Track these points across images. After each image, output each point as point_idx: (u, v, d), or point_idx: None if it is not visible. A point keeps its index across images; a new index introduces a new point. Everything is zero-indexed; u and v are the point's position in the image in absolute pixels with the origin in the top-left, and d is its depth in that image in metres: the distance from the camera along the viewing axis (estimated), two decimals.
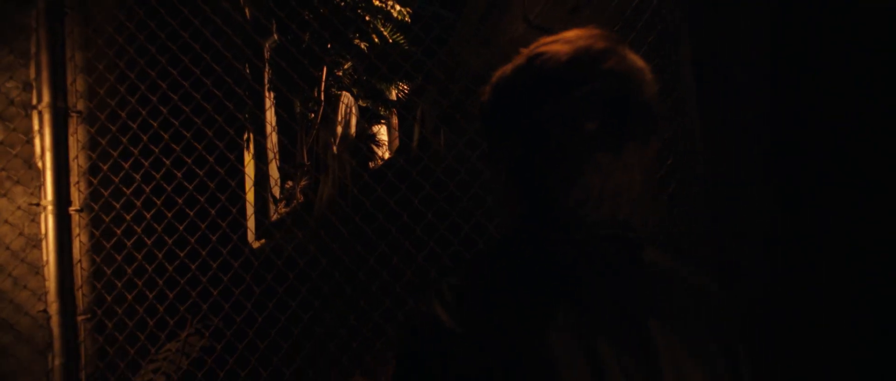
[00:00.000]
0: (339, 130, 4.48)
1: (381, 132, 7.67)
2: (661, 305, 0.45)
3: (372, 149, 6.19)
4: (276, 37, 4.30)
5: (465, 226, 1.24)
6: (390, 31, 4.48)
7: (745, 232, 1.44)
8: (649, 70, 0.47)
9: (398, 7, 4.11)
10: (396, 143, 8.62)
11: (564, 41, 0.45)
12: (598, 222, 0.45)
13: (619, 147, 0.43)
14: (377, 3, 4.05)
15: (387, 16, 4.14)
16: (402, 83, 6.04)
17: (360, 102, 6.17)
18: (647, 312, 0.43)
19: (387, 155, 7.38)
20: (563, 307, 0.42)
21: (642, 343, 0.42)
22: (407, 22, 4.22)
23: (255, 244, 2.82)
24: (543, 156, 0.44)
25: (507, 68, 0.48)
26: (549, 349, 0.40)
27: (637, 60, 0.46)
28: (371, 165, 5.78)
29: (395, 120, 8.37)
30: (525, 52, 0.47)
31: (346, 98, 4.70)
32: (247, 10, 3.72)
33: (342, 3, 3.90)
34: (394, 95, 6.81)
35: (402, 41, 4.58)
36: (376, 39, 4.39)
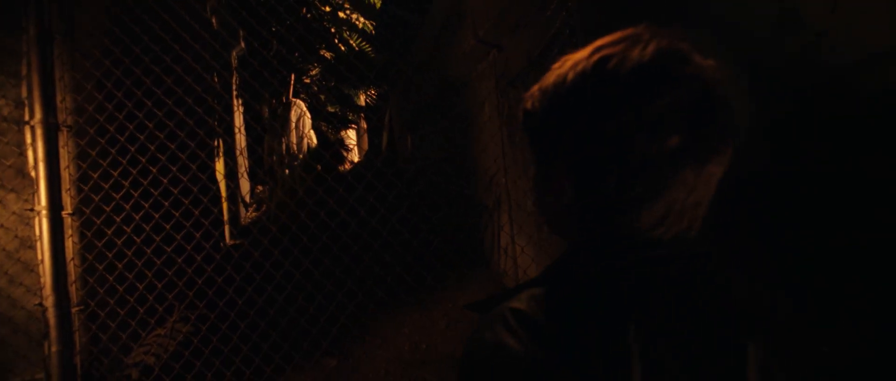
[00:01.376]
0: (294, 136, 4.62)
1: (350, 136, 7.82)
2: (746, 328, 0.41)
3: (341, 153, 6.35)
4: (243, 46, 4.42)
5: (413, 218, 1.50)
6: (356, 40, 4.68)
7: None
8: (724, 69, 0.42)
9: (363, 20, 4.34)
10: (365, 146, 8.78)
11: (632, 42, 0.41)
12: (672, 240, 0.42)
13: (704, 162, 0.40)
14: (343, 15, 4.26)
15: (352, 27, 4.36)
16: (371, 89, 6.23)
17: (329, 108, 6.32)
18: (734, 336, 0.40)
19: (356, 158, 7.55)
20: (639, 336, 0.39)
21: (736, 372, 0.39)
22: (371, 33, 4.45)
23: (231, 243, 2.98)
24: (624, 171, 0.40)
25: (563, 73, 0.43)
26: (632, 378, 0.37)
27: (709, 60, 0.42)
28: (340, 168, 5.95)
29: (364, 124, 8.54)
30: (582, 55, 0.43)
31: (299, 106, 4.85)
32: (213, 20, 3.84)
33: (309, 15, 4.09)
34: (362, 100, 6.98)
35: (369, 49, 4.80)
36: (343, 48, 4.58)
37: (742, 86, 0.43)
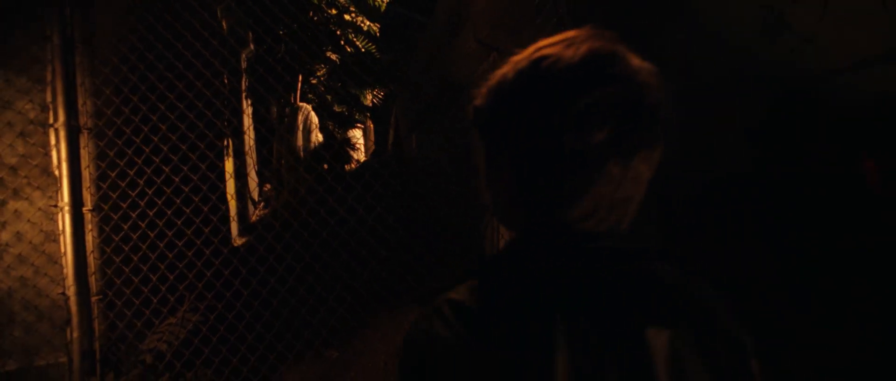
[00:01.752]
0: (300, 138, 4.73)
1: (357, 136, 7.94)
2: (662, 317, 0.41)
3: (348, 152, 6.47)
4: (252, 47, 4.55)
5: (413, 218, 1.58)
6: (362, 41, 4.79)
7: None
8: (655, 72, 0.44)
9: (368, 22, 4.45)
10: (372, 146, 8.90)
11: (569, 43, 0.43)
12: (604, 233, 0.43)
13: (631, 155, 0.42)
14: (348, 18, 4.37)
15: (357, 29, 4.46)
16: (377, 89, 6.34)
17: (336, 108, 6.44)
18: (647, 324, 0.41)
19: (363, 158, 7.67)
20: (565, 324, 0.40)
21: (644, 360, 0.39)
22: (376, 35, 4.55)
23: (238, 241, 3.10)
24: (554, 165, 0.42)
25: (506, 71, 0.45)
26: (551, 368, 0.39)
27: (643, 63, 0.44)
28: (347, 167, 6.07)
29: (371, 124, 8.66)
30: (524, 54, 0.44)
31: (305, 108, 4.96)
32: (224, 23, 3.97)
33: (315, 18, 4.20)
34: (369, 100, 7.09)
35: (374, 50, 4.90)
36: (350, 49, 4.69)
37: (670, 90, 0.44)
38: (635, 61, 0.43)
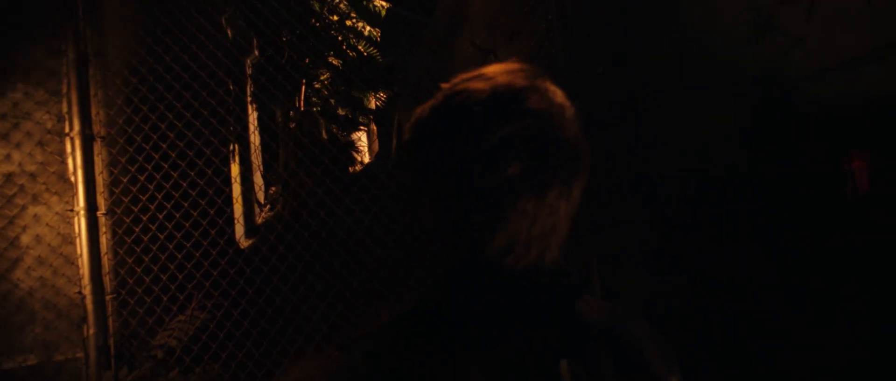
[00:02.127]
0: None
1: (361, 139, 8.05)
2: (576, 355, 0.42)
3: (352, 155, 6.57)
4: (256, 53, 4.66)
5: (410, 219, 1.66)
6: (364, 45, 4.88)
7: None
8: (571, 106, 0.44)
9: (369, 28, 4.55)
10: (376, 148, 9.01)
11: (484, 78, 0.43)
12: (526, 269, 0.42)
13: (544, 191, 0.41)
14: (349, 23, 4.47)
15: (359, 34, 4.57)
16: (380, 92, 6.43)
17: (339, 111, 6.54)
18: (559, 361, 0.41)
19: (366, 160, 7.77)
20: (477, 368, 0.40)
21: None
22: (377, 39, 4.65)
23: (244, 243, 3.21)
24: (466, 202, 0.42)
25: (426, 107, 0.45)
26: None
27: (558, 96, 0.44)
28: (350, 169, 6.17)
29: (374, 126, 8.76)
30: (445, 88, 0.45)
31: (311, 115, 5.05)
32: (228, 32, 4.08)
33: (318, 25, 4.31)
34: (372, 103, 7.19)
35: (376, 54, 4.99)
36: (353, 54, 4.79)
37: (582, 124, 0.44)
38: (552, 96, 0.43)
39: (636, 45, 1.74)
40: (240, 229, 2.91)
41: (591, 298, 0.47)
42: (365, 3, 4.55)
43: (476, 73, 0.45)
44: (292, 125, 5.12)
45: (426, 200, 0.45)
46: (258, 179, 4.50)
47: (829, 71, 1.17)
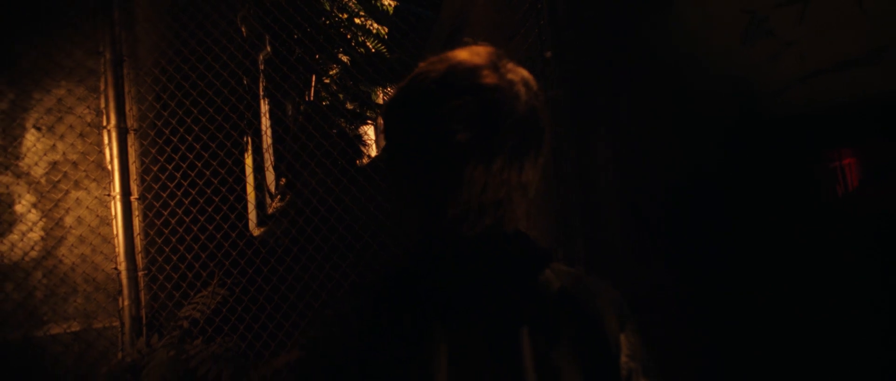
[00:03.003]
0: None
1: (368, 133, 8.22)
2: (536, 317, 0.43)
3: (359, 148, 6.75)
4: (268, 49, 4.86)
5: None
6: (373, 42, 5.04)
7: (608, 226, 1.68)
8: (532, 83, 0.46)
9: (376, 26, 4.71)
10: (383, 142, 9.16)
11: (445, 60, 0.46)
12: (482, 236, 0.44)
13: (491, 158, 0.43)
14: (358, 21, 4.63)
15: (367, 32, 4.73)
16: (388, 87, 6.58)
17: (348, 105, 6.71)
18: (520, 325, 0.42)
19: (374, 153, 7.95)
20: (441, 327, 0.42)
21: (515, 361, 0.41)
22: (385, 37, 4.81)
23: (256, 231, 3.42)
24: (424, 170, 0.44)
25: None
26: (429, 371, 0.40)
27: (516, 75, 0.45)
28: (358, 162, 6.36)
29: (381, 121, 8.91)
30: (413, 73, 0.47)
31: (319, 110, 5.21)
32: (243, 29, 4.28)
33: (327, 22, 4.47)
34: (380, 98, 7.34)
35: (384, 50, 5.15)
36: (361, 51, 4.96)
37: (542, 99, 0.47)
38: (507, 74, 0.46)
39: (631, 48, 1.82)
40: (254, 215, 3.12)
41: (560, 265, 0.48)
42: (373, 1, 4.71)
43: (441, 55, 0.48)
44: (301, 119, 5.32)
45: (395, 172, 0.48)
46: (270, 169, 4.71)
47: (821, 73, 1.21)
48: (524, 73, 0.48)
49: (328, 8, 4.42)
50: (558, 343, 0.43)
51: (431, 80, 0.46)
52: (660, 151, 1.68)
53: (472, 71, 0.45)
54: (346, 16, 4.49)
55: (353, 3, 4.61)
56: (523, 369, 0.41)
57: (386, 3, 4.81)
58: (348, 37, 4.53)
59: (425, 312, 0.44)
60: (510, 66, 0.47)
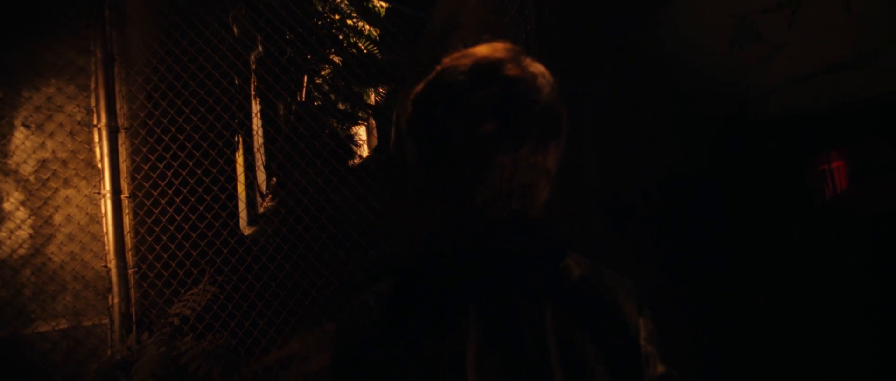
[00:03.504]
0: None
1: (360, 133, 8.23)
2: (559, 299, 0.45)
3: (350, 149, 6.75)
4: (260, 49, 4.85)
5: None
6: (365, 43, 5.07)
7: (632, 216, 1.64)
8: (549, 76, 0.49)
9: (368, 27, 4.74)
10: (376, 142, 9.19)
11: (469, 55, 0.49)
12: (510, 217, 0.46)
13: (517, 147, 0.45)
14: (350, 22, 4.66)
15: (359, 33, 4.76)
16: (381, 87, 6.60)
17: (339, 106, 6.72)
18: (544, 307, 0.44)
19: (365, 153, 7.96)
20: (472, 306, 0.43)
21: (539, 341, 0.42)
22: (377, 39, 4.85)
23: (247, 230, 3.42)
24: (453, 158, 0.46)
25: (423, 82, 0.51)
26: (460, 355, 0.42)
27: (535, 67, 0.48)
28: (349, 162, 6.37)
29: (373, 121, 8.94)
30: (437, 67, 0.50)
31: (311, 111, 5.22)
32: (234, 29, 4.27)
33: (319, 23, 4.49)
34: (372, 98, 7.35)
35: (376, 51, 5.18)
36: (353, 51, 4.98)
37: (559, 92, 0.49)
38: (528, 66, 0.49)
39: (625, 50, 1.85)
40: (245, 215, 3.13)
41: (576, 255, 0.51)
42: (365, 3, 4.75)
43: (465, 51, 0.51)
44: (292, 119, 5.32)
45: (423, 161, 0.50)
46: (261, 169, 4.71)
47: (811, 76, 1.22)
48: (542, 67, 0.51)
49: (320, 9, 4.44)
50: (581, 326, 0.45)
51: (460, 72, 0.48)
52: (655, 152, 1.70)
53: (497, 64, 0.48)
54: (338, 17, 4.52)
55: (345, 5, 4.64)
56: (547, 348, 0.43)
57: (377, 4, 4.84)
58: (340, 38, 4.56)
59: (457, 292, 0.45)
60: (529, 60, 0.50)
